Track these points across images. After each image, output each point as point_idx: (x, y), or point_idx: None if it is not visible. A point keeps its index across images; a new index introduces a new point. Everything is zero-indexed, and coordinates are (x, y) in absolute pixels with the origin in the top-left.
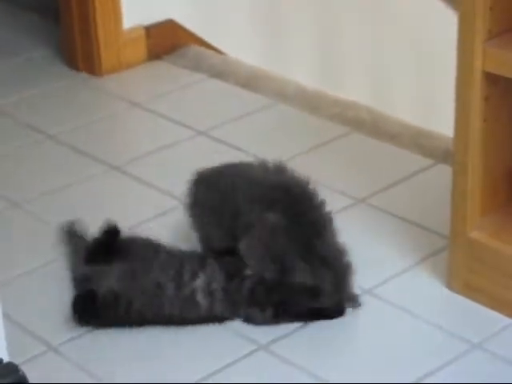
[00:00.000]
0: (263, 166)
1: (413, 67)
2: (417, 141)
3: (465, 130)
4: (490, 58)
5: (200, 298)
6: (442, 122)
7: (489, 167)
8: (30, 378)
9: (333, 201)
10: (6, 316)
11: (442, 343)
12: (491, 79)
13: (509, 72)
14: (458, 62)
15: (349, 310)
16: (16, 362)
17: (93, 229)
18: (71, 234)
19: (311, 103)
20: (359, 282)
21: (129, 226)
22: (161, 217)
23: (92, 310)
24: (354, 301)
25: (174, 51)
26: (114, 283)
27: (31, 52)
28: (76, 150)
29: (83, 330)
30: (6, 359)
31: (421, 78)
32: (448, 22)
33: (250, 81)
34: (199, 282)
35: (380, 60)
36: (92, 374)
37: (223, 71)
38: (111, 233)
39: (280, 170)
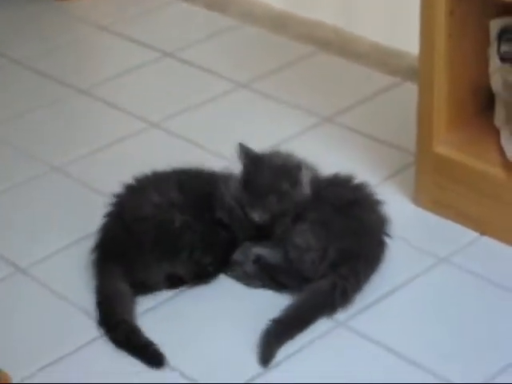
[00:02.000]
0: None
1: None
2: (383, 60)
3: (430, 46)
4: None
5: None
6: (410, 41)
7: (454, 83)
8: None
9: (300, 120)
10: None
11: (410, 258)
12: None
13: None
14: None
15: None
16: None
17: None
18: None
19: (278, 23)
20: None
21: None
22: (131, 138)
23: None
24: None
25: None
26: None
27: None
28: (41, 74)
29: None
30: None
31: None
32: None
33: (217, 2)
34: None
35: None
36: None
37: None
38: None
39: None
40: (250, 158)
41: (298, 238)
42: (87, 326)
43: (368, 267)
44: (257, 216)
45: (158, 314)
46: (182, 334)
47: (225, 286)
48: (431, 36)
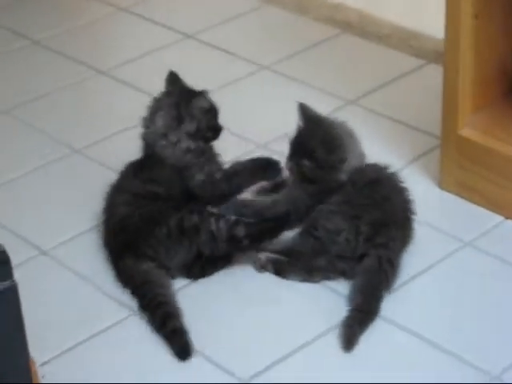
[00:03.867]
0: None
1: None
2: (407, 42)
3: (456, 27)
4: None
5: None
6: (433, 23)
7: (480, 64)
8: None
9: (323, 102)
10: None
11: (434, 241)
12: None
13: None
14: None
15: None
16: None
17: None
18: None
19: (300, 5)
20: None
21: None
22: None
23: None
24: None
25: None
26: None
27: None
28: (63, 55)
29: None
30: None
31: None
32: None
33: None
34: None
35: None
36: None
37: None
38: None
39: None
40: (309, 118)
41: (326, 222)
42: (111, 307)
43: (400, 233)
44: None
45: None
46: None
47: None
48: (457, 18)
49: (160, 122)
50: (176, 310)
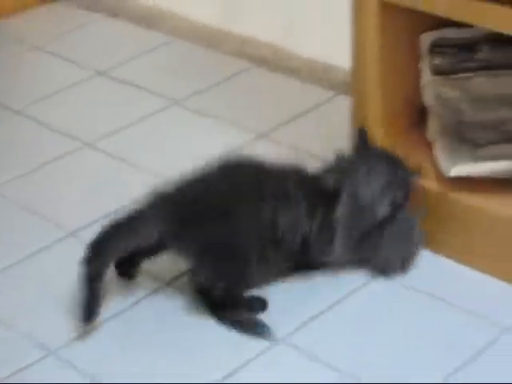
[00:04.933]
0: None
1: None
2: (317, 74)
3: (362, 61)
4: None
5: None
6: (344, 56)
7: (388, 96)
8: None
9: (235, 136)
10: None
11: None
12: (387, 8)
13: (403, 1)
14: None
15: None
16: None
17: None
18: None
19: (211, 39)
20: None
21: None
22: (64, 158)
23: None
24: None
25: None
26: None
27: None
28: None
29: None
30: None
31: (324, 12)
32: None
33: (148, 19)
34: None
35: None
36: None
37: (120, 10)
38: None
39: None
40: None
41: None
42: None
43: None
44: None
45: None
46: None
47: None
48: (363, 50)
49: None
50: None
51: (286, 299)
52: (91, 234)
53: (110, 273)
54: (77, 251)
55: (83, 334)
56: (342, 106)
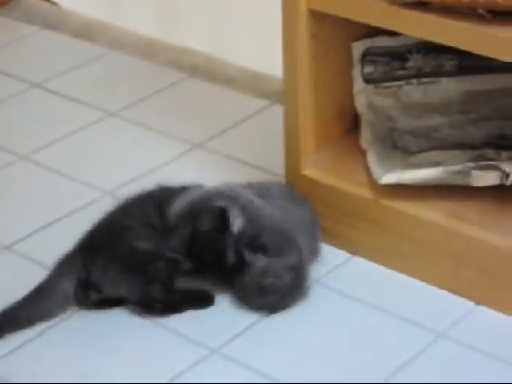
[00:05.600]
0: None
1: (250, 11)
2: (252, 84)
3: (293, 69)
4: None
5: None
6: (277, 64)
7: (320, 105)
8: None
9: (170, 147)
10: None
11: None
12: (317, 16)
13: (333, 10)
14: (282, 0)
15: None
16: None
17: None
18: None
19: (147, 50)
20: None
21: None
22: None
23: None
24: None
25: (5, 3)
26: None
27: None
28: None
29: None
30: None
31: (258, 22)
32: None
33: (84, 31)
34: None
35: (218, 4)
36: None
37: (56, 22)
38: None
39: None
40: None
41: None
42: None
43: None
44: None
45: None
46: None
47: None
48: (294, 59)
49: None
50: None
51: (218, 311)
52: (25, 247)
53: None
54: (11, 265)
55: None
56: (278, 115)
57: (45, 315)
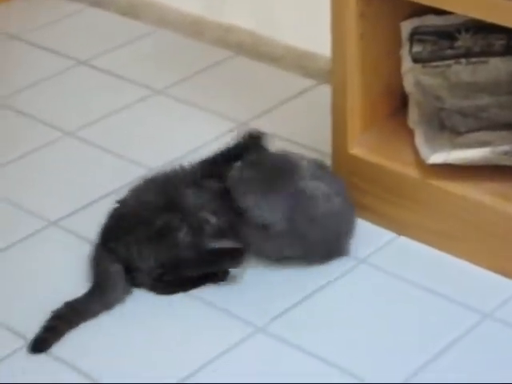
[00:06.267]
0: None
1: None
2: (299, 62)
3: (341, 48)
4: None
5: None
6: (324, 43)
7: (368, 84)
8: None
9: (217, 125)
10: None
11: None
12: None
13: None
14: None
15: None
16: None
17: None
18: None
19: (193, 28)
20: None
21: None
22: (46, 148)
23: None
24: None
25: None
26: None
27: None
28: None
29: None
30: None
31: (305, 0)
32: None
33: (131, 9)
34: None
35: None
36: None
37: (102, 0)
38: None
39: None
40: None
41: None
42: None
43: None
44: None
45: None
46: None
47: None
48: (343, 38)
49: None
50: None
51: (264, 288)
52: (73, 223)
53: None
54: (59, 240)
55: None
56: (323, 94)
57: (108, 307)
